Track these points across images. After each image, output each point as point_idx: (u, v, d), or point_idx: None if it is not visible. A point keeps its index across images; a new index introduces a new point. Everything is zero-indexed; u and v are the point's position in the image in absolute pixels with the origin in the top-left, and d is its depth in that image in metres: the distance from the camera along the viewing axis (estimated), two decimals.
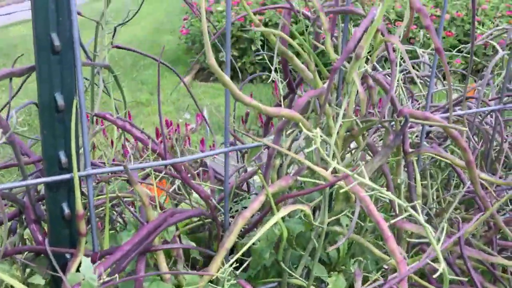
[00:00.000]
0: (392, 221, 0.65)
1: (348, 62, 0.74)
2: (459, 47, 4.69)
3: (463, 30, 4.75)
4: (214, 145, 2.19)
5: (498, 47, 1.41)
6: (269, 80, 0.79)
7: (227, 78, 0.65)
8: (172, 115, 3.84)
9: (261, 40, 4.55)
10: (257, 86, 4.65)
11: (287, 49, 0.77)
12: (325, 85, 0.74)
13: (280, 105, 0.90)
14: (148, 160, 0.72)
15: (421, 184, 1.04)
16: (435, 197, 1.03)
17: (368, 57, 0.75)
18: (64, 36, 0.58)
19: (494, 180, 0.77)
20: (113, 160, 0.86)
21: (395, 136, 0.76)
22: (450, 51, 4.94)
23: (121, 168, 0.63)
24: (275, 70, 0.75)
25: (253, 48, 4.58)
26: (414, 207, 0.60)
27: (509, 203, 0.93)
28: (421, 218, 0.55)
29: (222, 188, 0.81)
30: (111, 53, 0.79)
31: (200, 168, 1.20)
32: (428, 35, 4.63)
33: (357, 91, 0.74)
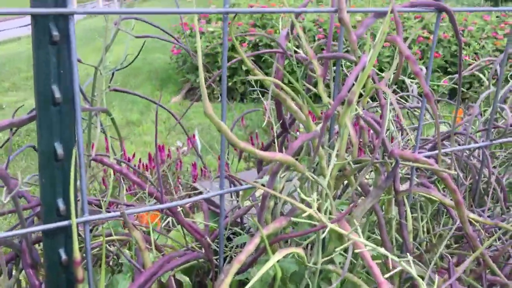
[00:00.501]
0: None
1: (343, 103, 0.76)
2: (447, 67, 4.76)
3: (450, 51, 4.85)
4: (205, 167, 2.20)
5: (484, 79, 1.45)
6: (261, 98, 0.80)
7: (223, 125, 0.66)
8: (162, 134, 3.85)
9: (252, 59, 4.59)
10: (247, 105, 4.68)
11: (280, 92, 0.79)
12: (318, 129, 0.76)
13: (274, 142, 0.92)
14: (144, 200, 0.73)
15: (412, 217, 1.06)
16: (425, 229, 1.05)
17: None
18: (65, 88, 0.59)
19: (482, 220, 0.79)
20: (109, 205, 0.86)
21: (386, 177, 0.78)
22: (438, 71, 5.04)
23: (118, 213, 0.64)
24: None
25: (244, 67, 4.62)
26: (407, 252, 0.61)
27: (497, 240, 0.95)
28: (414, 271, 0.57)
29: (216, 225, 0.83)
30: (121, 61, 0.79)
31: (193, 193, 1.21)
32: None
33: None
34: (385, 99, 0.77)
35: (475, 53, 4.83)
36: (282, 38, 0.81)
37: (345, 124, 0.74)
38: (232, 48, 4.69)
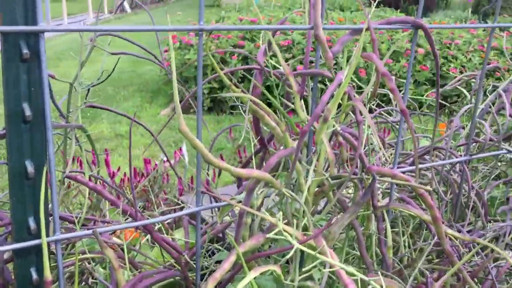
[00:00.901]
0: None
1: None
2: (434, 80, 4.80)
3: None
4: (192, 180, 2.19)
5: (466, 93, 1.46)
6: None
7: (199, 143, 0.66)
8: (150, 147, 3.83)
9: (241, 73, 4.60)
10: (237, 117, 4.68)
11: (258, 108, 0.79)
12: (295, 145, 0.75)
13: (252, 158, 0.92)
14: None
15: (394, 231, 1.06)
16: (407, 244, 1.05)
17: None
18: (35, 106, 0.58)
19: (460, 236, 0.79)
20: (83, 225, 0.85)
21: (364, 193, 0.78)
22: (426, 84, 5.09)
23: (90, 232, 0.63)
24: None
25: (233, 80, 4.63)
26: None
27: (475, 255, 0.95)
28: None
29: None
30: (97, 77, 0.79)
31: (177, 208, 1.20)
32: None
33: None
34: (368, 113, 0.77)
35: (462, 66, 4.89)
36: (260, 55, 0.81)
37: (322, 140, 0.74)
38: (222, 60, 4.71)
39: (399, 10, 8.61)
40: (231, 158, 3.03)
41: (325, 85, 1.01)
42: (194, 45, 4.67)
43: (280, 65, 0.82)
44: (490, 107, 1.17)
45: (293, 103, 0.79)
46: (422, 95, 4.56)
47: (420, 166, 0.99)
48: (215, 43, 4.71)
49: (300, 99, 0.79)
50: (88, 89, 0.73)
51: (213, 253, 1.07)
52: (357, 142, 0.77)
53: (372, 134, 1.15)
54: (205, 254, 1.02)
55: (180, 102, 0.95)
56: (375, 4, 1.16)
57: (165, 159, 1.87)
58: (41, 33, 0.55)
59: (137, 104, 4.92)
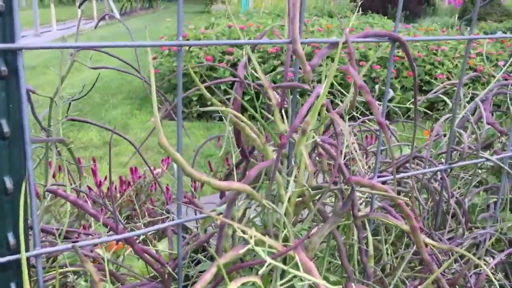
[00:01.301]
0: None
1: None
2: (422, 86, 4.85)
3: (424, 70, 4.95)
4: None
5: (448, 101, 1.48)
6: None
7: (179, 157, 0.67)
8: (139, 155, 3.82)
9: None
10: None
11: (238, 120, 0.80)
12: (275, 157, 0.76)
13: (233, 170, 0.93)
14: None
15: (376, 239, 1.08)
16: (389, 252, 1.07)
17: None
18: (14, 122, 0.59)
19: (437, 245, 0.81)
20: (65, 236, 0.86)
21: (343, 204, 0.79)
22: (412, 90, 5.13)
23: (70, 246, 0.63)
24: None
25: (222, 87, 4.65)
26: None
27: (453, 262, 0.96)
28: None
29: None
30: (79, 91, 0.80)
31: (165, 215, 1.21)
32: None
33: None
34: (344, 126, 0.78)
35: (449, 72, 4.95)
36: (240, 68, 0.82)
37: (301, 152, 0.75)
38: (211, 68, 4.72)
39: (387, 17, 8.70)
40: (220, 165, 3.04)
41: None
42: (184, 51, 4.67)
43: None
44: (472, 114, 1.19)
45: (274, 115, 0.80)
46: (410, 101, 4.61)
47: (401, 175, 1.00)
48: (203, 50, 4.72)
49: (280, 111, 0.81)
50: (69, 103, 0.73)
51: (199, 262, 1.07)
52: (336, 153, 0.78)
53: (353, 143, 1.16)
54: (189, 264, 1.03)
55: (171, 109, 0.95)
56: (356, 10, 1.18)
57: (151, 168, 1.87)
58: (18, 51, 0.56)
59: (126, 112, 4.91)
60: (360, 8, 9.63)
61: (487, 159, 1.06)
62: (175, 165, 2.20)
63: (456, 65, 5.01)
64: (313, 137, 0.81)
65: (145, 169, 1.99)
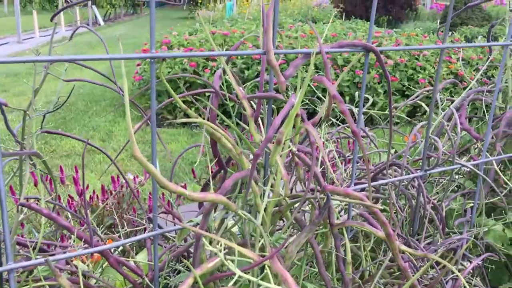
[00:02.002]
0: None
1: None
2: (404, 90, 4.90)
3: (406, 74, 5.01)
4: (163, 195, 2.18)
5: (425, 107, 1.50)
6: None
7: (152, 168, 0.67)
8: (124, 162, 3.80)
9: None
10: None
11: (214, 131, 0.80)
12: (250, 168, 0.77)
13: (209, 181, 0.93)
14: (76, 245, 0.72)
15: (355, 246, 1.08)
16: (369, 258, 1.08)
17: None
18: None
19: (413, 252, 0.82)
20: (48, 246, 0.85)
21: (319, 212, 0.80)
22: (395, 94, 5.17)
23: (43, 261, 0.63)
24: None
25: (207, 94, 4.65)
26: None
27: (430, 269, 0.98)
28: None
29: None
30: (63, 98, 0.79)
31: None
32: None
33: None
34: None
35: (431, 77, 5.01)
36: (216, 79, 0.83)
37: (276, 162, 0.76)
38: (195, 73, 4.72)
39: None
40: (204, 172, 3.03)
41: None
42: (166, 59, 4.66)
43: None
44: (450, 120, 1.21)
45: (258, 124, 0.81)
46: (392, 105, 4.65)
47: (377, 182, 1.01)
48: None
49: (256, 122, 0.81)
50: (44, 116, 0.73)
51: (180, 272, 1.07)
52: (311, 162, 0.79)
53: (331, 151, 1.17)
54: (171, 273, 1.02)
55: (156, 115, 0.95)
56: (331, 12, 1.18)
57: (131, 177, 1.86)
58: None
59: (110, 119, 4.88)
60: (344, 14, 9.72)
61: (462, 165, 1.08)
62: (158, 171, 2.16)
63: (437, 70, 5.08)
64: (289, 147, 0.81)
65: (128, 177, 1.98)
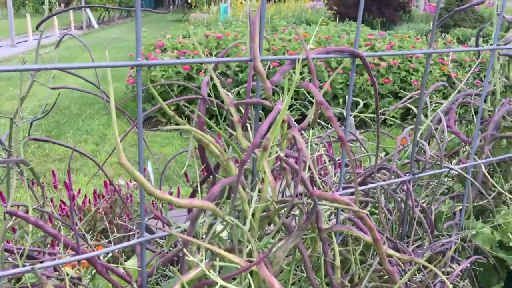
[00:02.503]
0: None
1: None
2: (397, 92, 4.92)
3: (400, 76, 5.04)
4: (153, 203, 2.18)
5: (414, 109, 1.51)
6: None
7: (139, 175, 0.67)
8: (117, 166, 3.79)
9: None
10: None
11: (202, 137, 0.81)
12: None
13: (197, 188, 0.93)
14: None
15: (345, 250, 1.09)
16: (358, 261, 1.08)
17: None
18: None
19: (399, 256, 0.82)
20: (38, 253, 0.85)
21: (306, 218, 0.80)
22: (389, 97, 5.17)
23: (29, 268, 0.63)
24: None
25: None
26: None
27: (416, 272, 0.98)
28: None
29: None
30: (58, 102, 0.79)
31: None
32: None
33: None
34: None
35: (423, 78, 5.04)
36: (204, 85, 0.83)
37: (263, 168, 0.77)
38: (188, 77, 4.72)
39: (364, 24, 8.82)
40: (198, 175, 3.04)
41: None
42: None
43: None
44: (439, 123, 1.21)
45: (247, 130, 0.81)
46: (385, 108, 4.67)
47: (366, 187, 1.02)
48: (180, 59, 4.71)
49: (243, 128, 0.82)
50: (31, 123, 0.73)
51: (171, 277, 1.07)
52: (298, 168, 0.79)
53: (323, 155, 1.18)
54: (160, 278, 1.03)
55: (149, 119, 0.95)
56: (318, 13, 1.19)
57: (122, 182, 1.86)
58: None
59: (104, 122, 4.87)
60: (338, 16, 9.75)
61: (450, 169, 1.09)
62: (151, 176, 2.16)
63: (430, 71, 5.10)
64: (276, 152, 0.82)
65: (119, 183, 1.98)
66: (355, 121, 1.77)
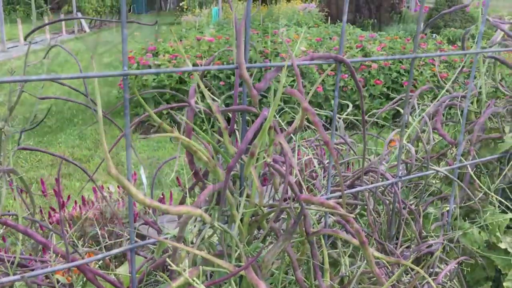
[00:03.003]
0: None
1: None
2: (388, 94, 4.93)
3: (391, 77, 5.07)
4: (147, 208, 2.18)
5: (402, 111, 1.53)
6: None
7: (127, 183, 0.68)
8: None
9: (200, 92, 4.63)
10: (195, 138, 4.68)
11: (190, 144, 0.82)
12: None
13: (186, 194, 0.94)
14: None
15: (335, 252, 1.10)
16: (347, 263, 1.09)
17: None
18: None
19: (386, 258, 0.84)
20: (21, 264, 0.86)
21: (293, 222, 0.82)
22: (380, 98, 5.20)
23: (19, 277, 0.64)
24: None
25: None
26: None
27: (404, 274, 1.00)
28: None
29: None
30: (48, 107, 0.80)
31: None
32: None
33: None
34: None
35: (414, 79, 5.07)
36: (191, 93, 0.84)
37: (251, 173, 0.78)
38: (180, 81, 4.73)
39: (355, 25, 8.86)
40: (190, 179, 3.04)
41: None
42: (152, 65, 4.67)
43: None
44: (426, 123, 1.23)
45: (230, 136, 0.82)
46: (377, 108, 4.70)
47: (354, 189, 1.04)
48: (172, 63, 4.72)
49: (231, 134, 0.83)
50: (21, 132, 0.74)
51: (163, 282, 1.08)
52: (285, 173, 0.81)
53: (311, 158, 1.19)
54: (152, 284, 1.03)
55: (142, 123, 0.96)
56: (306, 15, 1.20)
57: (112, 189, 1.87)
58: None
59: (96, 127, 4.86)
60: (329, 18, 9.79)
61: (437, 171, 1.11)
62: (144, 180, 2.17)
63: (421, 72, 5.14)
64: (264, 158, 0.83)
65: (111, 188, 1.98)
66: (345, 123, 1.78)
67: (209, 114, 0.85)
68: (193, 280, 0.65)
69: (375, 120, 1.63)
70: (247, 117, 0.85)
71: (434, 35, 7.92)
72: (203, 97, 0.83)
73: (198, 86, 0.82)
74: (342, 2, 0.87)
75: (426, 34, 6.64)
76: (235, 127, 0.87)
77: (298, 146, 1.05)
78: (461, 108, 1.39)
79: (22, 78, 0.63)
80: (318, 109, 1.04)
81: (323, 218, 1.21)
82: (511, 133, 1.26)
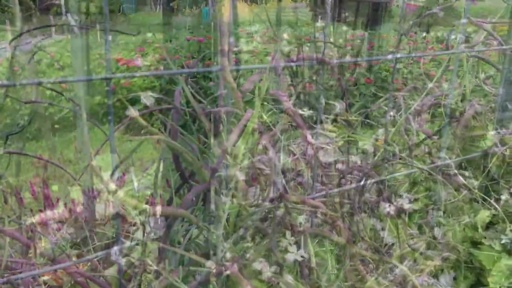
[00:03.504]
0: None
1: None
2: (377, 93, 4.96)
3: (380, 76, 5.10)
4: None
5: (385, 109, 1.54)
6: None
7: (113, 187, 0.69)
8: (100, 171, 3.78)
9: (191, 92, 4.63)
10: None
11: (176, 145, 0.83)
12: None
13: (173, 196, 0.95)
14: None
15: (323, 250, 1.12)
16: (334, 261, 1.11)
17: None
18: None
19: (369, 254, 0.85)
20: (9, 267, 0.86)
21: (279, 221, 0.83)
22: (371, 97, 5.19)
23: (5, 280, 0.64)
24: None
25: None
26: None
27: (390, 272, 1.01)
28: None
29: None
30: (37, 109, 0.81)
31: None
32: None
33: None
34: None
35: (404, 78, 5.11)
36: (177, 95, 0.85)
37: (235, 174, 0.79)
38: (171, 81, 4.72)
39: (342, 23, 8.89)
40: (178, 180, 3.04)
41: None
42: (142, 67, 4.66)
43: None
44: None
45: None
46: (368, 107, 4.74)
47: (340, 189, 1.05)
48: (162, 64, 4.72)
49: (216, 136, 0.84)
50: (7, 137, 0.74)
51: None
52: (271, 173, 0.82)
53: (300, 158, 1.20)
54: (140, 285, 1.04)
55: (133, 123, 0.97)
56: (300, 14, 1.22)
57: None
58: None
59: (88, 128, 4.84)
60: (320, 17, 9.80)
61: (421, 169, 1.13)
62: (135, 182, 2.16)
63: (410, 70, 5.18)
64: (249, 158, 0.84)
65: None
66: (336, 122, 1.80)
67: (195, 116, 0.86)
68: (176, 281, 0.66)
69: (366, 118, 1.65)
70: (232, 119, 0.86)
71: (424, 33, 7.96)
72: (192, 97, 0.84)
73: (183, 89, 0.83)
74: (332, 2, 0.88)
75: (416, 33, 6.68)
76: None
77: (284, 146, 1.06)
78: (446, 107, 1.41)
79: (6, 83, 0.63)
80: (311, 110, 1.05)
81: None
82: (493, 131, 1.29)
